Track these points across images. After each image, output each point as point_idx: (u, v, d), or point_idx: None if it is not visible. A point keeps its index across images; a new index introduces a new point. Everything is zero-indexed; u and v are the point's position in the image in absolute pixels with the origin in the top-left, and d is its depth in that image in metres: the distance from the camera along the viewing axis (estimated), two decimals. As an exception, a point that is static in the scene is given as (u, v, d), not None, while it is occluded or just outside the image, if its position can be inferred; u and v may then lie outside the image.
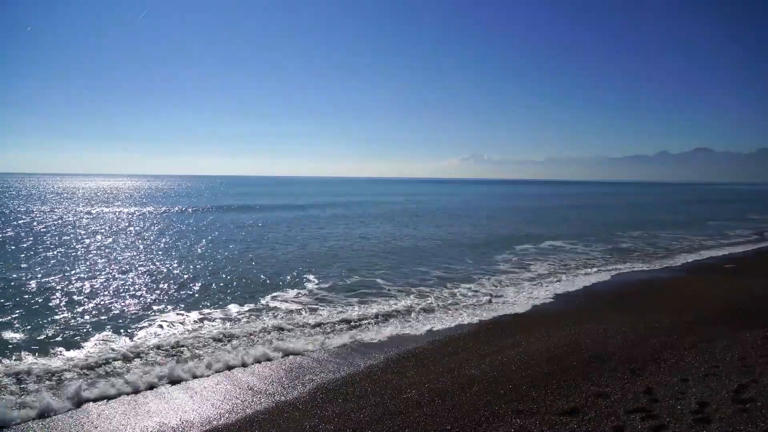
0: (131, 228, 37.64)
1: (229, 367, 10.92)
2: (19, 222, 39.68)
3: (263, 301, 16.70)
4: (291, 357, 11.65)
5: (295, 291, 18.16)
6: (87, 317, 14.52)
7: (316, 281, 19.71)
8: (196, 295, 17.38)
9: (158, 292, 17.84)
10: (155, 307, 15.80)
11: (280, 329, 13.47)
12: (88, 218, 44.33)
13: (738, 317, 13.83)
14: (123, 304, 16.13)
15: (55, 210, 52.85)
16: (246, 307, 15.86)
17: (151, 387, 9.79)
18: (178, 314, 15.09)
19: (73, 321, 14.17)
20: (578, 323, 13.78)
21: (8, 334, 12.85)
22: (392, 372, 10.64)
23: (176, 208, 56.58)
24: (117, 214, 49.68)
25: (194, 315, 15.00)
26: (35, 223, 38.70)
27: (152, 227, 38.36)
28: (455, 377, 10.07)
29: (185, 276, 20.45)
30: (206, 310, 15.49)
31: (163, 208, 56.77)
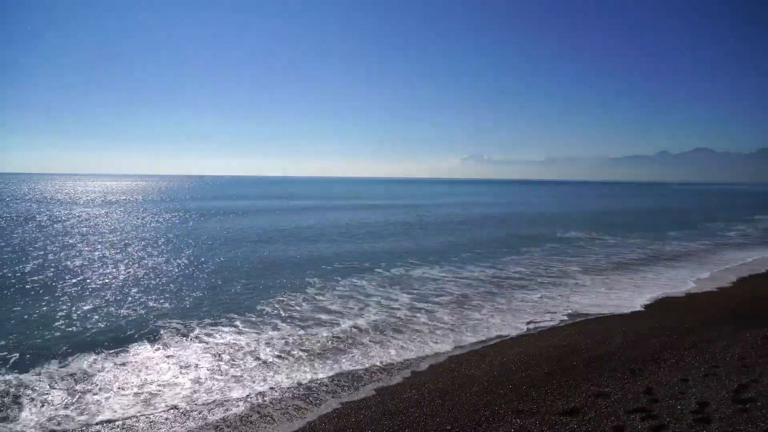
0: (134, 234, 37.50)
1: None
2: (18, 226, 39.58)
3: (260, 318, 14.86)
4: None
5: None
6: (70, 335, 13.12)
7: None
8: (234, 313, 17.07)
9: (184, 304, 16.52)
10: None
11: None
12: (83, 224, 44.22)
13: (738, 317, 13.84)
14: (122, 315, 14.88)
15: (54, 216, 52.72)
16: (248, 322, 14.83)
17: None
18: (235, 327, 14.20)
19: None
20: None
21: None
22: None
23: (181, 212, 56.39)
24: (113, 217, 49.59)
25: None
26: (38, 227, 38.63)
27: (162, 234, 38.19)
28: (455, 377, 10.07)
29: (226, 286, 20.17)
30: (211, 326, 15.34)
31: (167, 212, 56.69)
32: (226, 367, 10.95)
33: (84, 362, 11.12)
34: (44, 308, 15.23)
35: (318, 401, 9.31)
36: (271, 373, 10.60)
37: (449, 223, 44.99)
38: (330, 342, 12.62)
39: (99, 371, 10.65)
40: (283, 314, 15.11)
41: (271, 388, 9.87)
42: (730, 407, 7.65)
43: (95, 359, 11.30)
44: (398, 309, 15.74)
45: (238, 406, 9.16)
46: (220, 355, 11.68)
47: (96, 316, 14.51)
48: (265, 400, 9.36)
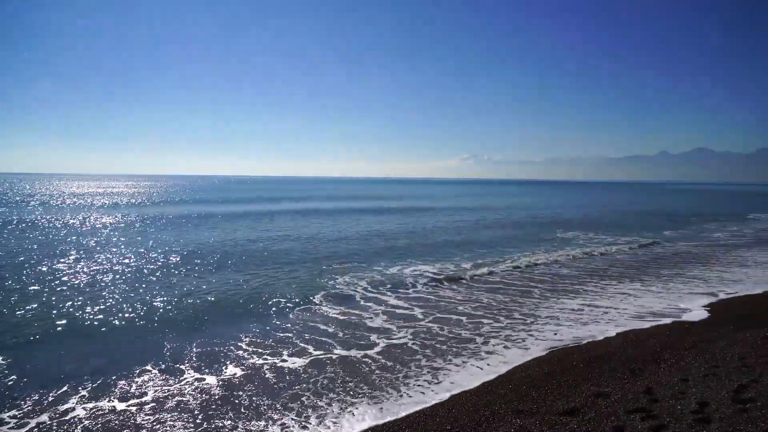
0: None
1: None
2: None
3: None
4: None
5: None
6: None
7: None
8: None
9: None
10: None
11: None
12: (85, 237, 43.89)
13: (738, 317, 13.83)
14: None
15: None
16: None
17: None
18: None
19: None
20: None
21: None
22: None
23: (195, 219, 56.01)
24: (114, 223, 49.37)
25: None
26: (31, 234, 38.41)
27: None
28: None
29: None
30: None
31: (164, 217, 56.34)
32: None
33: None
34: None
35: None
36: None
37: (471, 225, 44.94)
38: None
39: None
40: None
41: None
42: (730, 407, 7.64)
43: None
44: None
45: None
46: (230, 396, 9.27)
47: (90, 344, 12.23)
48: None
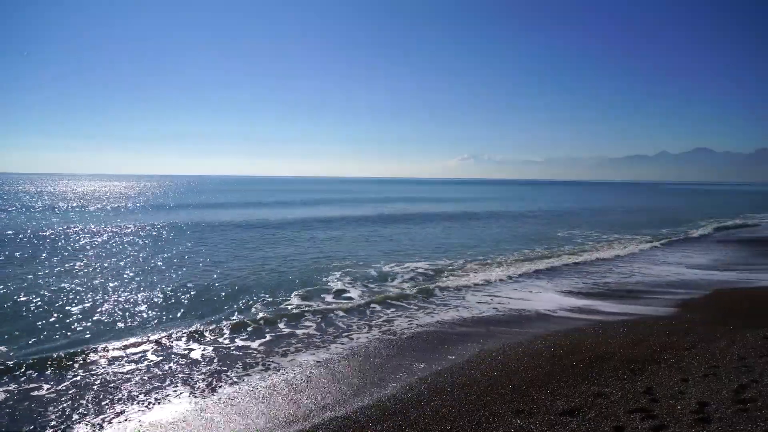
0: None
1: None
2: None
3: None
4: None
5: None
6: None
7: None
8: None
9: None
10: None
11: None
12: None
13: (738, 317, 13.83)
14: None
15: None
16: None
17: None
18: None
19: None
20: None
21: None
22: (392, 372, 10.61)
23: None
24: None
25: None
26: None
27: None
28: (455, 377, 10.06)
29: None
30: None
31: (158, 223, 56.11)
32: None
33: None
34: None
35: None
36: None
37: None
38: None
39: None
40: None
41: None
42: (730, 407, 7.65)
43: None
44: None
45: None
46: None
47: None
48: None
